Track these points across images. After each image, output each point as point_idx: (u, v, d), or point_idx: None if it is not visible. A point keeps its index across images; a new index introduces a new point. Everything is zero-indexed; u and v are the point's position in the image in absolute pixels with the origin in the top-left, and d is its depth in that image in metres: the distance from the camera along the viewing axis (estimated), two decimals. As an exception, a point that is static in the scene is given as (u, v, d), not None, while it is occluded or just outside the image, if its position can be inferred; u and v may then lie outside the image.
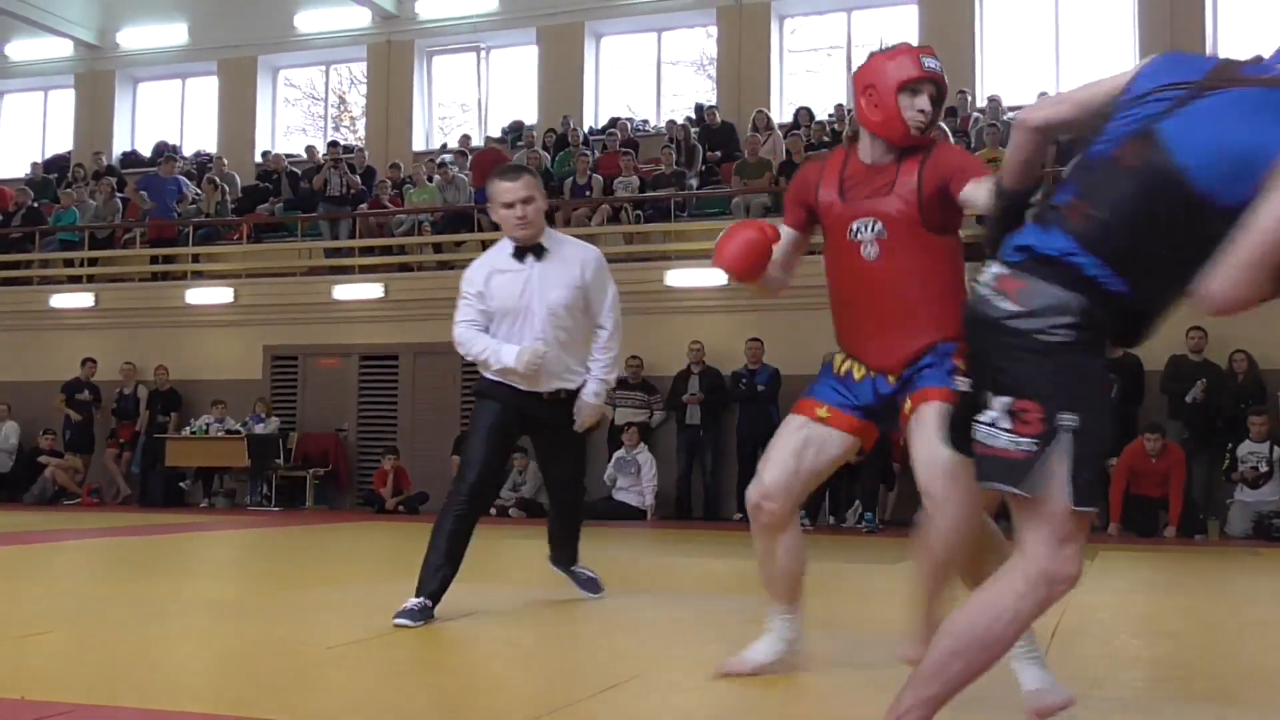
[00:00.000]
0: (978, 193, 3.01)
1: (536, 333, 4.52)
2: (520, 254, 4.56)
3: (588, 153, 15.13)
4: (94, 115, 19.28)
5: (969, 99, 14.46)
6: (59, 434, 14.51)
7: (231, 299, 14.93)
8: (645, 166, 14.71)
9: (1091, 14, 15.33)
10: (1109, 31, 15.12)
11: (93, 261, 16.03)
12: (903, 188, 3.15)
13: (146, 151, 19.17)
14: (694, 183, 14.45)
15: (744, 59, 16.21)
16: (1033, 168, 2.52)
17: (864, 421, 3.30)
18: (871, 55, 3.27)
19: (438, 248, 14.50)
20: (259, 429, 13.86)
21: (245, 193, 16.89)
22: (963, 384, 2.40)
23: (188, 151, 18.87)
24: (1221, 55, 2.43)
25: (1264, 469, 10.32)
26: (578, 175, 14.51)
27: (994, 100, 14.13)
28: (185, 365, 14.79)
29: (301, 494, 13.91)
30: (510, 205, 4.48)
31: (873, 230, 3.17)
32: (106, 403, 14.72)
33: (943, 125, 13.44)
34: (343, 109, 19.71)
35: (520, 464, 12.13)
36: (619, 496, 12.19)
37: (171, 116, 19.58)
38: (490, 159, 14.32)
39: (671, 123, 15.71)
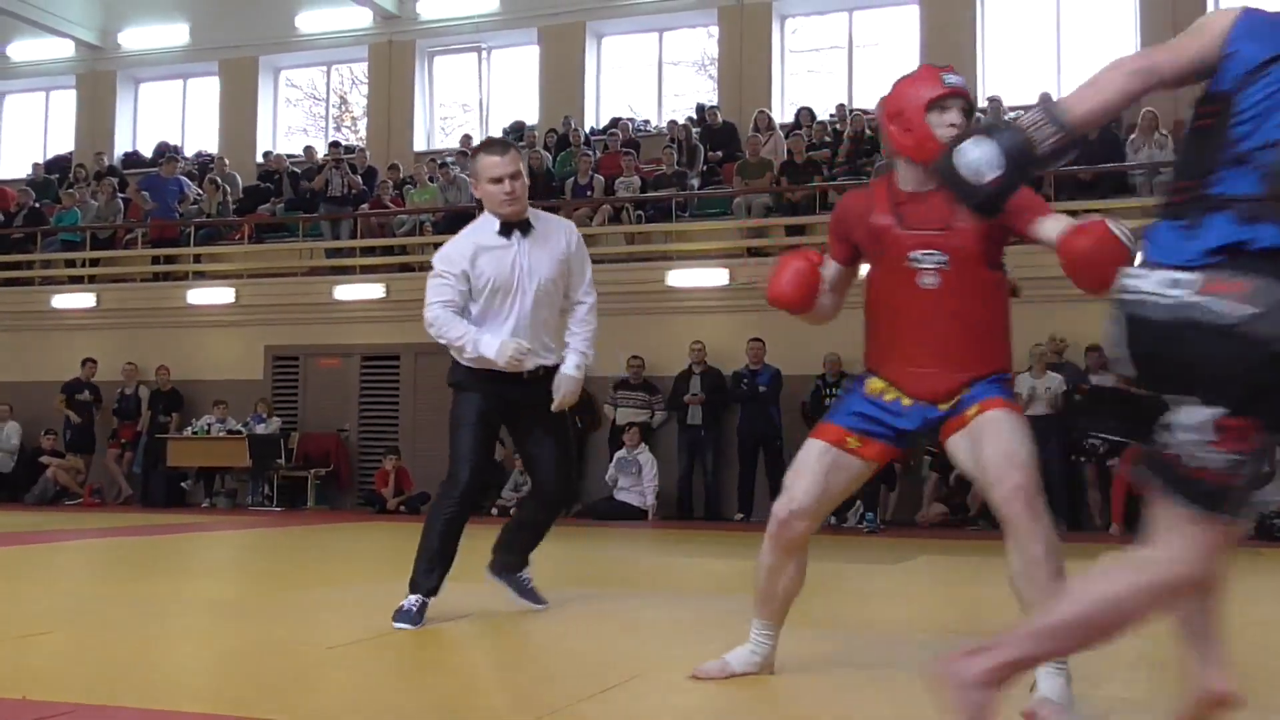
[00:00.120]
0: (1056, 225, 3.01)
1: (526, 309, 4.41)
2: (506, 230, 4.43)
3: (589, 153, 15.13)
4: (95, 115, 19.29)
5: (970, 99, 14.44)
6: (60, 434, 14.51)
7: (233, 299, 14.94)
8: (646, 166, 14.71)
9: (1093, 14, 15.32)
10: (1110, 32, 15.11)
11: (94, 262, 16.04)
12: (965, 220, 3.10)
13: (148, 152, 19.18)
14: (695, 183, 14.44)
15: (745, 59, 16.21)
16: (1109, 114, 2.40)
17: (895, 448, 3.28)
18: (895, 84, 3.25)
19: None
20: (260, 429, 13.87)
21: (246, 193, 16.90)
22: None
23: (189, 152, 18.88)
24: None
25: (1266, 469, 10.29)
26: (579, 175, 14.51)
27: (995, 101, 14.11)
28: (187, 365, 14.79)
29: (303, 494, 13.91)
30: (499, 180, 4.36)
31: (935, 260, 3.13)
32: (108, 403, 14.73)
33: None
34: (344, 109, 19.71)
35: (522, 463, 12.13)
36: (620, 496, 12.19)
37: (173, 117, 19.58)
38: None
39: (673, 123, 15.71)
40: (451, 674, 3.73)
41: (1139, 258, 2.26)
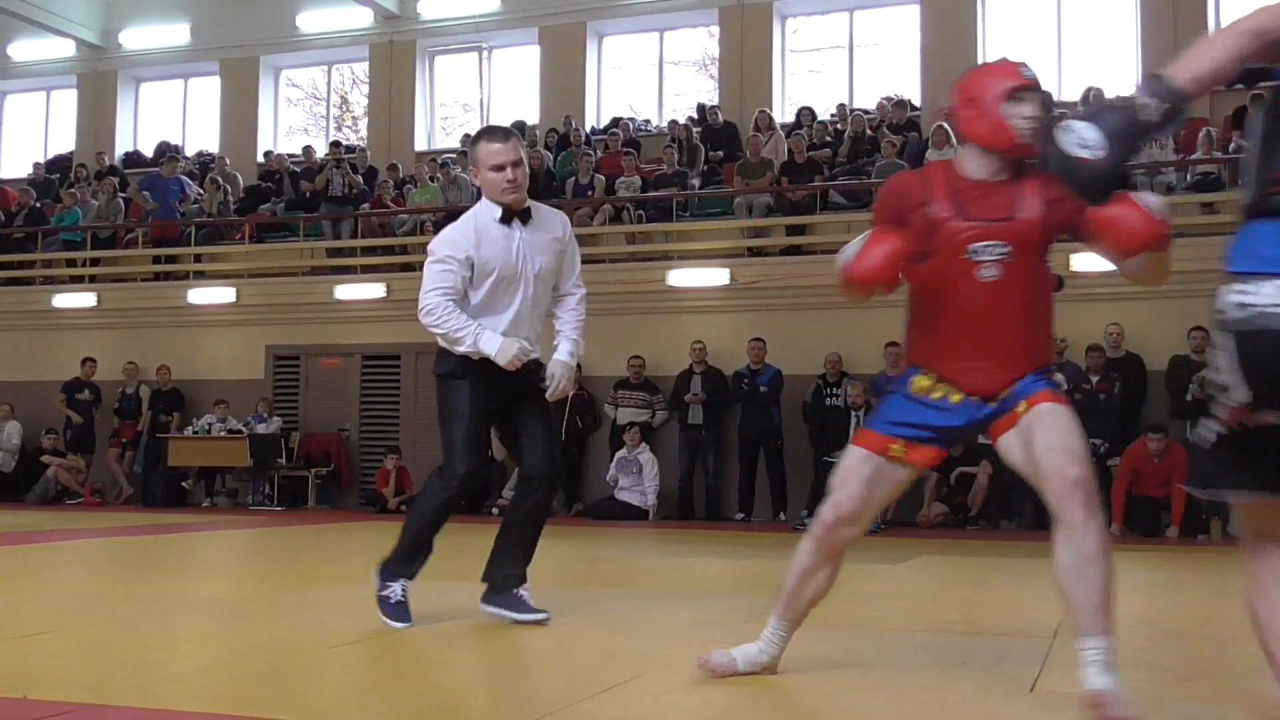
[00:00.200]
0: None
1: (528, 299, 4.35)
2: (507, 219, 4.33)
3: (590, 152, 15.13)
4: (96, 115, 19.29)
5: (971, 99, 14.44)
6: (60, 434, 14.52)
7: (234, 299, 14.94)
8: (647, 166, 14.71)
9: (1094, 14, 15.32)
10: (1111, 32, 15.11)
11: (95, 261, 16.04)
12: (1029, 211, 3.09)
13: (149, 151, 19.18)
14: (696, 183, 14.44)
15: (746, 59, 16.21)
16: (1220, 77, 2.24)
17: (941, 449, 3.25)
18: (970, 72, 3.23)
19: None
20: (261, 429, 13.87)
21: (247, 193, 16.90)
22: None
23: (190, 151, 18.88)
24: None
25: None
26: (580, 175, 14.51)
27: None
28: (187, 365, 14.80)
29: (303, 494, 13.92)
30: (500, 168, 4.27)
31: (996, 252, 3.08)
32: (109, 402, 14.73)
33: (945, 125, 13.44)
34: (345, 109, 19.71)
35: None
36: (621, 496, 12.19)
37: (174, 116, 19.58)
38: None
39: (673, 122, 15.71)
40: (452, 674, 3.73)
41: (1231, 265, 2.10)
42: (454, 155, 15.77)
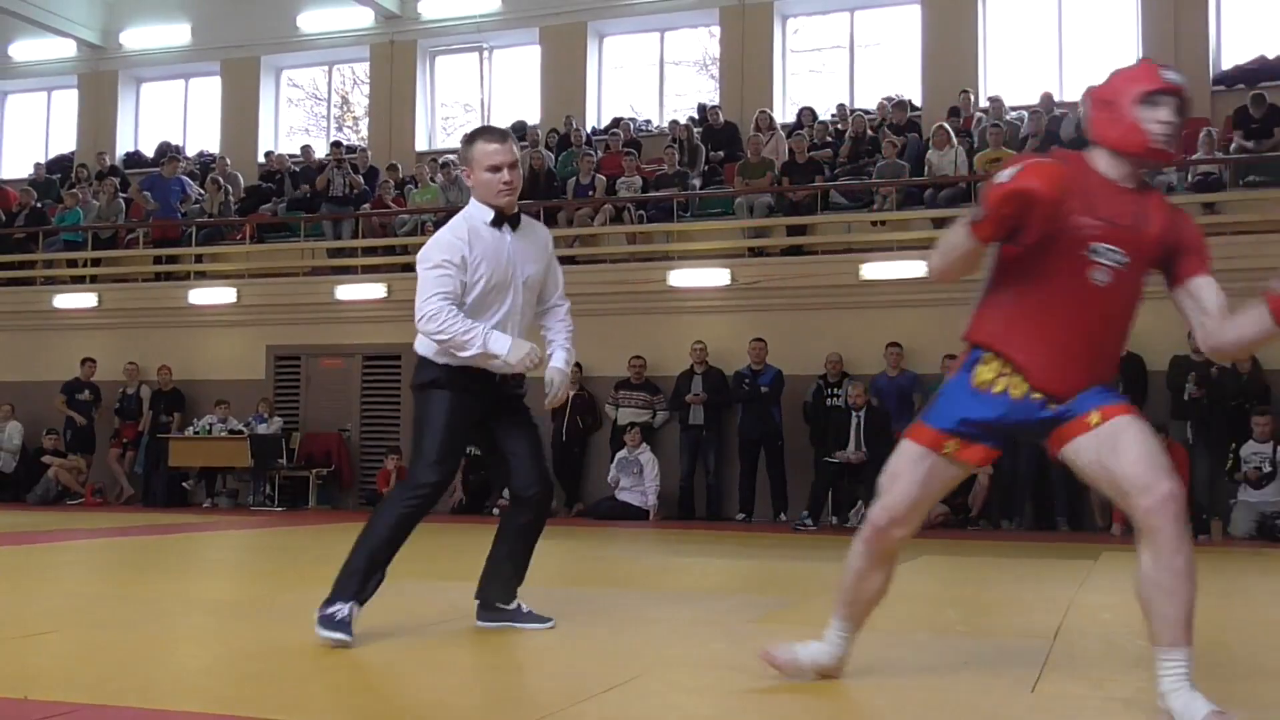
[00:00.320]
0: (1211, 292, 3.02)
1: (517, 306, 4.23)
2: (498, 222, 4.18)
3: (591, 153, 15.13)
4: (97, 115, 19.30)
5: (971, 99, 14.45)
6: (61, 434, 14.52)
7: (234, 299, 14.95)
8: (648, 166, 14.71)
9: (1094, 14, 15.31)
10: (1112, 32, 15.10)
11: (96, 262, 16.05)
12: (1154, 226, 3.03)
13: (150, 152, 19.19)
14: (697, 183, 14.44)
15: (747, 59, 16.21)
16: None
17: (991, 449, 3.18)
18: (1110, 74, 3.15)
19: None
20: (262, 429, 13.88)
21: (248, 193, 16.91)
22: None
23: (191, 152, 18.89)
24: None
25: (1268, 469, 10.30)
26: (581, 175, 14.51)
27: (996, 101, 14.11)
28: (188, 365, 14.81)
29: (304, 494, 13.92)
30: (497, 169, 4.13)
31: (1114, 258, 3.00)
32: (109, 402, 14.74)
33: (945, 125, 13.45)
34: (345, 109, 19.71)
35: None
36: (622, 496, 12.20)
37: (174, 117, 19.59)
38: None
39: (674, 123, 15.71)
40: (451, 674, 3.73)
41: None
42: (455, 155, 15.77)
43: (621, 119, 16.56)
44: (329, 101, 19.51)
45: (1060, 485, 10.92)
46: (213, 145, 18.80)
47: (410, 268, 15.18)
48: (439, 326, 3.99)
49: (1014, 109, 14.15)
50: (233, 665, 3.76)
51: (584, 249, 14.08)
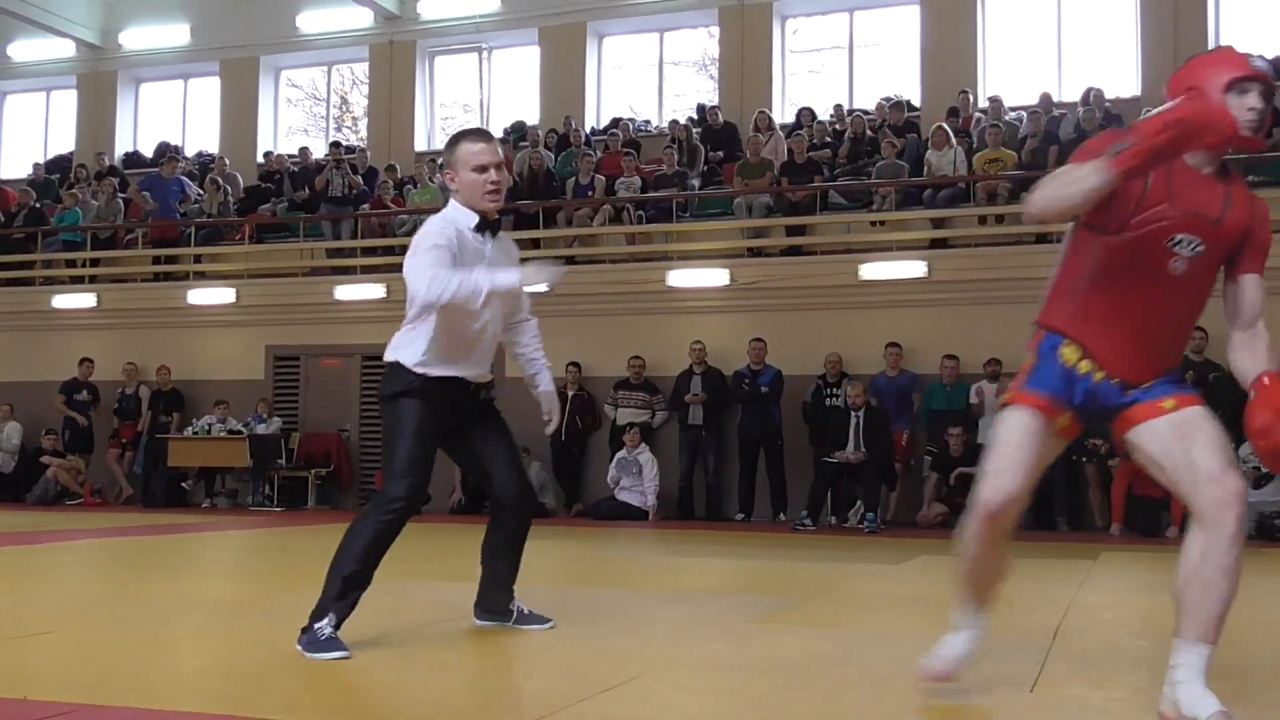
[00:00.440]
0: (1250, 291, 3.02)
1: (497, 317, 4.13)
2: (480, 227, 4.06)
3: (590, 153, 15.13)
4: (96, 116, 19.30)
5: (970, 100, 14.45)
6: (60, 434, 14.52)
7: (234, 299, 14.95)
8: (647, 167, 14.71)
9: (1094, 14, 15.32)
10: (1111, 32, 15.11)
11: (95, 262, 16.04)
12: (1235, 217, 3.01)
13: (149, 152, 19.19)
14: (696, 183, 14.45)
15: (746, 59, 16.21)
16: None
17: (1082, 427, 3.14)
18: (1192, 60, 3.12)
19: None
20: (261, 429, 13.88)
21: (247, 193, 16.91)
22: None
23: (190, 152, 18.89)
24: None
25: (1266, 469, 10.29)
26: (580, 175, 14.51)
27: (995, 101, 14.12)
28: (187, 365, 14.81)
29: (303, 494, 13.92)
30: (483, 168, 4.02)
31: (1193, 247, 2.97)
32: (108, 403, 14.74)
33: (944, 126, 13.44)
34: (345, 109, 19.71)
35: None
36: (621, 496, 12.20)
37: (174, 117, 19.58)
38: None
39: (674, 123, 15.72)
40: (451, 674, 3.72)
41: None
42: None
43: (621, 119, 16.56)
44: (328, 102, 19.51)
45: (1060, 485, 10.92)
46: (212, 145, 18.80)
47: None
48: (443, 288, 3.79)
49: (1013, 109, 14.16)
50: (233, 665, 3.76)
51: (583, 249, 14.09)
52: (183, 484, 14.30)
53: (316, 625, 3.79)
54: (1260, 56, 3.03)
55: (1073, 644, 4.17)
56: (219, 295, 15.05)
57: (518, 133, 16.76)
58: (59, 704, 2.97)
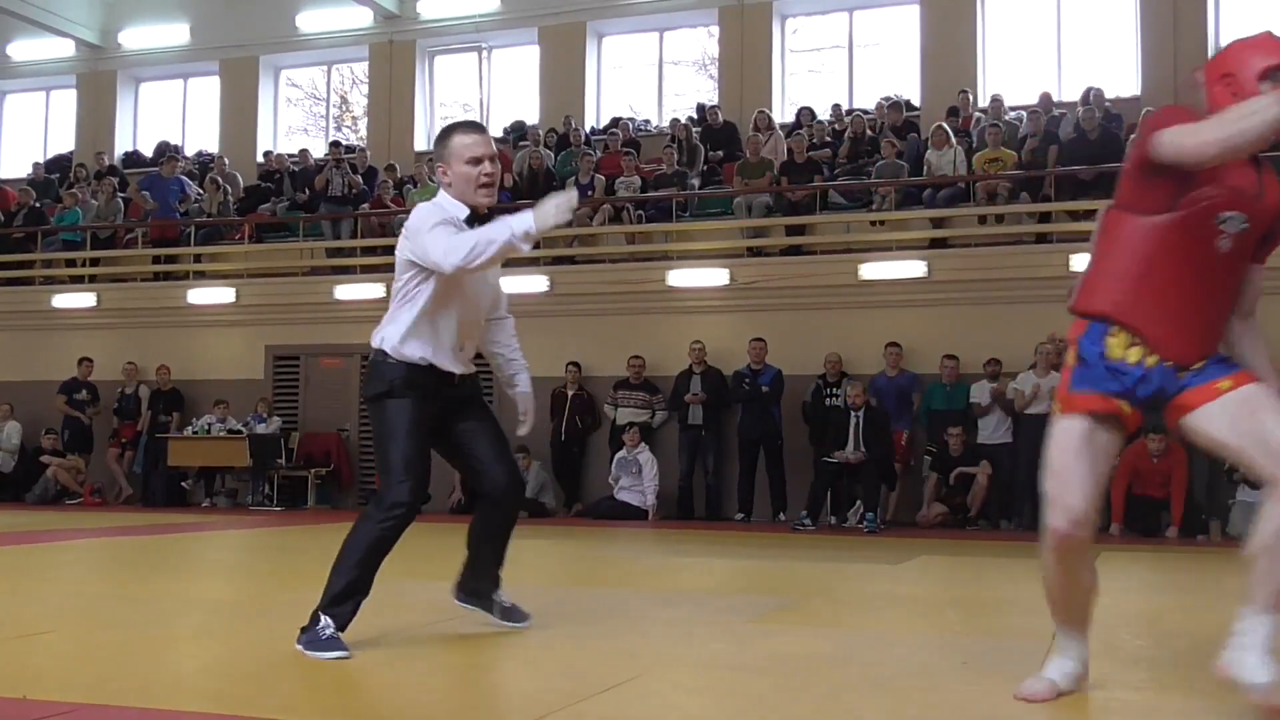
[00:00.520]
0: (1259, 284, 3.05)
1: (479, 310, 4.10)
2: (470, 222, 3.94)
3: (590, 152, 15.13)
4: (96, 115, 19.29)
5: (970, 99, 14.45)
6: (59, 434, 14.52)
7: (233, 299, 14.95)
8: (647, 166, 14.71)
9: (1093, 14, 15.31)
10: (1111, 32, 15.11)
11: (95, 261, 16.04)
12: (1270, 198, 3.02)
13: (148, 151, 19.18)
14: (696, 183, 14.45)
15: (746, 59, 16.21)
16: None
17: (1141, 415, 3.12)
18: (1230, 45, 3.12)
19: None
20: (261, 429, 13.88)
21: (247, 192, 16.91)
22: None
23: (189, 151, 18.88)
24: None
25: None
26: (580, 175, 14.50)
27: (996, 100, 14.11)
28: (187, 365, 14.81)
29: (303, 494, 13.92)
30: (478, 160, 3.94)
31: (1238, 225, 2.98)
32: (108, 402, 14.74)
33: (944, 125, 13.44)
34: (344, 109, 19.71)
35: (524, 464, 12.09)
36: (621, 496, 12.20)
37: (173, 116, 19.58)
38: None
39: (674, 122, 15.71)
40: (451, 674, 3.73)
41: None
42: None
43: (620, 119, 16.56)
44: (328, 101, 19.51)
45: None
46: (211, 145, 18.79)
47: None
48: (468, 250, 3.71)
49: (1013, 109, 14.16)
50: (233, 665, 3.76)
51: (583, 249, 14.09)
52: (182, 484, 14.30)
53: (317, 625, 3.78)
54: None
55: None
56: (219, 295, 15.05)
57: (517, 132, 16.75)
58: (59, 704, 2.97)
